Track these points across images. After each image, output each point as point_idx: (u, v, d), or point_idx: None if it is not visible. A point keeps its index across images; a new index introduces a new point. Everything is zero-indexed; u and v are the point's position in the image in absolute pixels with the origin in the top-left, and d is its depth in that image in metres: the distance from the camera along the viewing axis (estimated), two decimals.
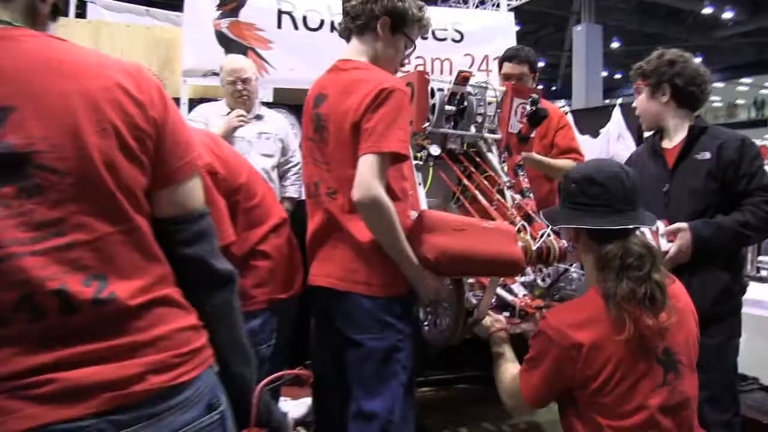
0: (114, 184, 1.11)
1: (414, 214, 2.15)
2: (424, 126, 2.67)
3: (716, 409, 2.42)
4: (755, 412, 3.11)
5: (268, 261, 2.15)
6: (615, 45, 23.93)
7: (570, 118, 4.23)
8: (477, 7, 14.22)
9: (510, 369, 2.08)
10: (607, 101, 15.40)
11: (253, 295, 2.08)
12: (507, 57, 3.59)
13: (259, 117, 4.06)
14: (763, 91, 29.48)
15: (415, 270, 2.03)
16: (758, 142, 2.56)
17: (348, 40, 2.24)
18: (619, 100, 4.37)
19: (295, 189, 4.11)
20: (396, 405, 2.04)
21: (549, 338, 1.79)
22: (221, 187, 2.00)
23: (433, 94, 2.67)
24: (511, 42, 4.85)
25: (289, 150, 4.19)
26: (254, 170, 2.27)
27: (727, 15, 20.94)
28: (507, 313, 2.61)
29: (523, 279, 2.68)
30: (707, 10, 20.13)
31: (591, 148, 3.91)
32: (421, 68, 4.67)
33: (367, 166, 1.91)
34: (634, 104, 2.79)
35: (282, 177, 4.12)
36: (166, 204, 1.23)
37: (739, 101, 31.13)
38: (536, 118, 2.71)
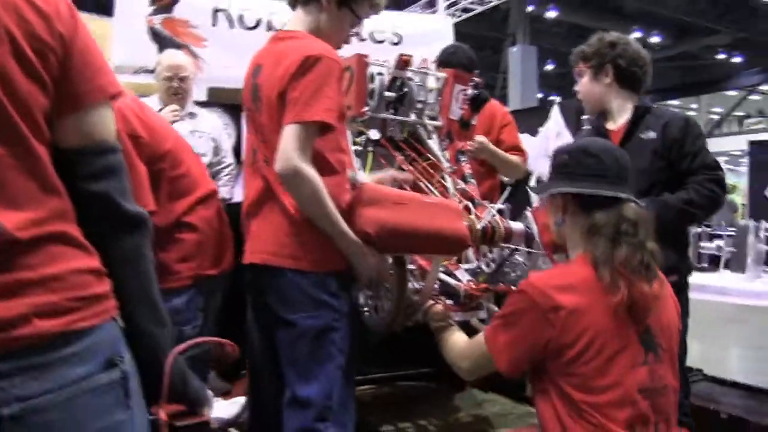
0: (6, 97, 0.98)
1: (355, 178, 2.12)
2: (363, 110, 2.65)
3: None
4: (702, 401, 3.18)
5: (195, 234, 2.06)
6: (549, 67, 24.62)
7: (556, 109, 4.28)
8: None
9: (459, 336, 2.02)
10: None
11: (178, 270, 2.00)
12: (441, 62, 3.49)
13: (192, 115, 4.01)
14: (690, 113, 30.80)
15: (351, 245, 1.96)
16: None
17: (293, 8, 2.20)
18: (557, 99, 4.47)
19: (227, 190, 4.05)
20: (333, 390, 1.95)
21: (529, 297, 1.71)
22: (144, 152, 1.93)
23: (372, 79, 2.66)
24: None
25: (222, 150, 4.14)
26: (182, 139, 2.21)
27: (654, 39, 21.84)
28: (451, 301, 2.58)
29: (467, 266, 2.66)
30: (636, 35, 20.92)
31: (530, 146, 3.96)
32: None
33: (288, 137, 1.87)
34: (576, 88, 2.83)
35: (213, 177, 4.03)
36: (71, 132, 1.10)
37: None
38: (478, 101, 2.74)
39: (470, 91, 2.76)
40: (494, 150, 3.26)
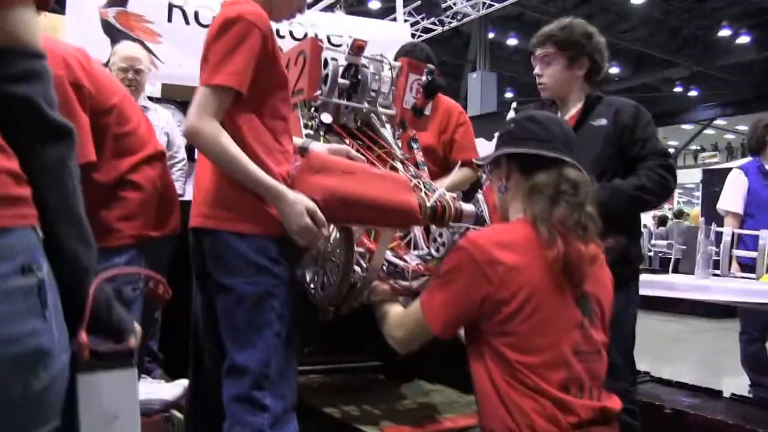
0: None
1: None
2: (315, 95, 2.70)
3: (614, 377, 2.48)
4: (648, 398, 3.28)
5: (139, 192, 2.06)
6: (509, 95, 25.08)
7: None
8: None
9: (397, 308, 2.04)
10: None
11: (119, 228, 1.98)
12: (405, 53, 3.58)
13: (144, 108, 4.03)
14: None
15: (271, 190, 1.92)
16: None
17: None
18: (514, 104, 4.61)
19: (179, 186, 4.06)
20: (271, 358, 1.93)
21: (467, 253, 1.73)
22: (87, 104, 1.93)
23: (326, 64, 2.72)
24: None
25: (174, 145, 4.18)
26: (130, 98, 2.22)
27: (614, 70, 22.47)
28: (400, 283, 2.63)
29: (417, 252, 2.72)
30: None
31: (485, 150, 4.06)
32: None
33: (194, 100, 1.90)
34: (538, 71, 2.83)
35: None
36: None
37: None
38: (431, 88, 2.79)
39: (424, 78, 2.82)
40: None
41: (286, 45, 3.33)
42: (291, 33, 5.01)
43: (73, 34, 4.34)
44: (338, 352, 3.54)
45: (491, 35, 20.00)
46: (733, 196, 4.32)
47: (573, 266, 1.72)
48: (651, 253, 11.81)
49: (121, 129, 2.06)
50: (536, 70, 2.83)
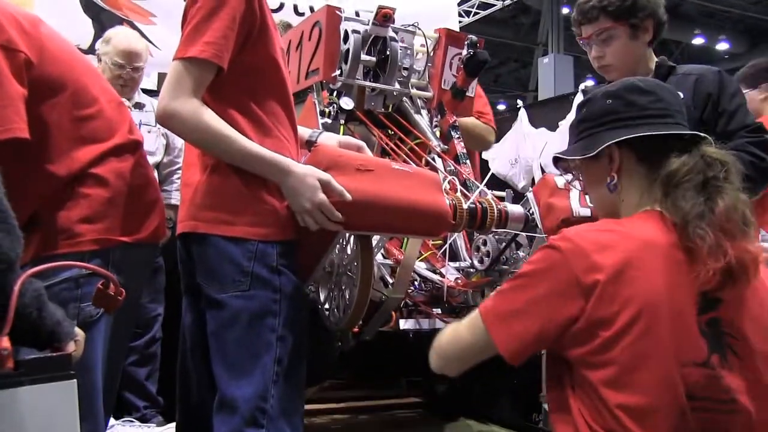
0: None
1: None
2: (333, 75, 2.71)
3: None
4: None
5: (104, 189, 2.00)
6: (589, 83, 24.82)
7: (523, 112, 4.41)
8: None
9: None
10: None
11: (79, 231, 1.93)
12: None
13: (139, 105, 4.06)
14: None
15: (274, 166, 1.91)
16: None
17: None
18: (582, 85, 4.60)
19: (179, 196, 4.07)
20: (270, 389, 1.89)
21: (560, 255, 1.55)
22: (23, 73, 1.89)
23: (346, 38, 2.72)
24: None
25: (175, 149, 4.19)
26: (97, 74, 2.21)
27: (722, 46, 22.01)
28: (438, 310, 2.60)
29: (456, 264, 2.69)
30: (698, 41, 21.18)
31: (551, 143, 4.07)
32: None
33: (167, 78, 1.91)
34: (595, 53, 2.72)
35: (164, 180, 4.10)
36: None
37: None
38: (474, 63, 2.77)
39: (465, 53, 2.81)
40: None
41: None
42: (311, 8, 5.06)
43: (48, 14, 4.40)
44: (365, 387, 3.51)
45: (565, 11, 19.84)
46: None
47: (740, 274, 1.54)
48: None
49: (81, 111, 2.02)
50: (593, 53, 2.71)
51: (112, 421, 2.99)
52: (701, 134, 1.67)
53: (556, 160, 1.90)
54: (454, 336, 1.71)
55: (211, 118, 1.87)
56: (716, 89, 2.53)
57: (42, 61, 1.94)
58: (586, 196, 2.20)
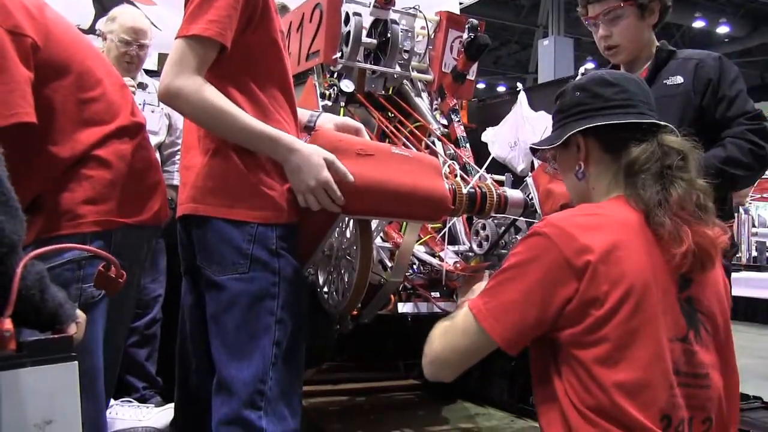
0: None
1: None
2: (334, 57, 2.70)
3: None
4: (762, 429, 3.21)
5: (107, 171, 2.01)
6: (589, 66, 24.76)
7: (522, 95, 4.40)
8: None
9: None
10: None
11: (82, 212, 1.94)
12: None
13: (142, 86, 4.05)
14: None
15: (280, 146, 1.90)
16: None
17: None
18: (582, 69, 4.57)
19: (180, 178, 4.08)
20: (269, 372, 1.89)
21: (546, 240, 1.58)
22: (30, 58, 1.90)
23: (348, 20, 2.72)
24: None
25: (177, 129, 4.18)
26: (101, 56, 2.21)
27: (723, 29, 21.94)
28: (437, 293, 2.61)
29: (455, 248, 2.70)
30: (698, 24, 21.10)
31: (496, 135, 4.11)
32: None
33: (169, 57, 1.89)
34: (602, 32, 2.66)
35: (166, 161, 4.10)
36: None
37: None
38: (475, 46, 2.76)
39: (466, 36, 2.80)
40: None
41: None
42: None
43: None
44: (364, 369, 3.55)
45: None
46: None
47: (705, 257, 1.60)
48: (752, 247, 11.39)
49: (85, 94, 2.03)
50: (601, 32, 2.66)
51: (111, 401, 3.00)
52: (660, 123, 1.72)
53: (534, 151, 1.97)
54: (448, 342, 1.68)
55: (214, 95, 1.86)
56: (716, 75, 2.50)
57: (47, 45, 1.94)
58: None
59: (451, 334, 1.66)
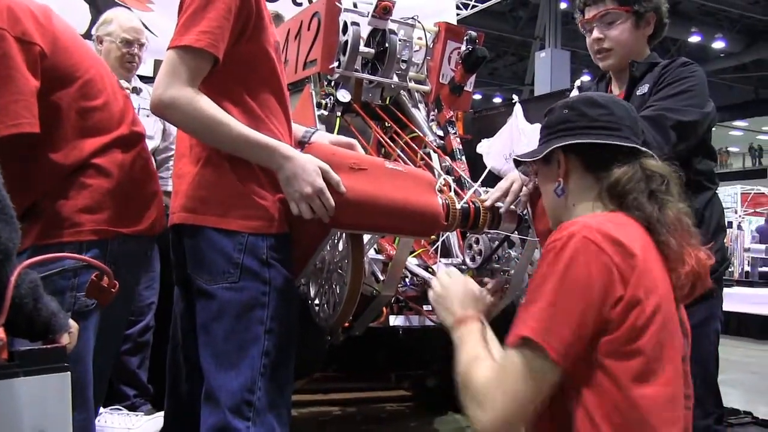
0: None
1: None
2: (331, 67, 2.70)
3: (696, 412, 2.32)
4: None
5: (106, 180, 2.02)
6: (585, 78, 24.86)
7: (518, 107, 4.42)
8: None
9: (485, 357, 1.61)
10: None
11: (79, 221, 1.94)
12: None
13: (137, 90, 4.05)
14: (763, 137, 30.92)
15: (275, 154, 1.90)
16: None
17: None
18: (578, 82, 4.58)
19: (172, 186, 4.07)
20: (257, 382, 1.89)
21: (583, 240, 1.51)
22: (38, 66, 1.90)
23: (345, 29, 2.72)
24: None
25: (171, 135, 4.18)
26: (105, 66, 2.22)
27: (718, 45, 22.05)
28: (429, 307, 2.60)
29: (449, 261, 2.69)
30: (694, 39, 21.21)
31: (492, 145, 4.13)
32: None
33: (161, 69, 1.88)
34: (596, 34, 2.60)
35: (160, 166, 4.09)
36: None
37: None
38: (473, 59, 2.77)
39: (464, 48, 2.80)
40: None
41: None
42: None
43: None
44: (355, 379, 3.53)
45: (563, 5, 19.83)
46: None
47: (697, 281, 1.61)
48: (745, 262, 11.46)
49: (88, 103, 2.04)
50: (594, 34, 2.59)
51: (100, 409, 2.99)
52: (641, 148, 1.72)
53: (517, 163, 1.97)
54: (508, 395, 1.48)
55: (208, 105, 1.86)
56: (673, 75, 2.43)
57: (54, 53, 1.94)
58: None
59: (510, 375, 1.48)
